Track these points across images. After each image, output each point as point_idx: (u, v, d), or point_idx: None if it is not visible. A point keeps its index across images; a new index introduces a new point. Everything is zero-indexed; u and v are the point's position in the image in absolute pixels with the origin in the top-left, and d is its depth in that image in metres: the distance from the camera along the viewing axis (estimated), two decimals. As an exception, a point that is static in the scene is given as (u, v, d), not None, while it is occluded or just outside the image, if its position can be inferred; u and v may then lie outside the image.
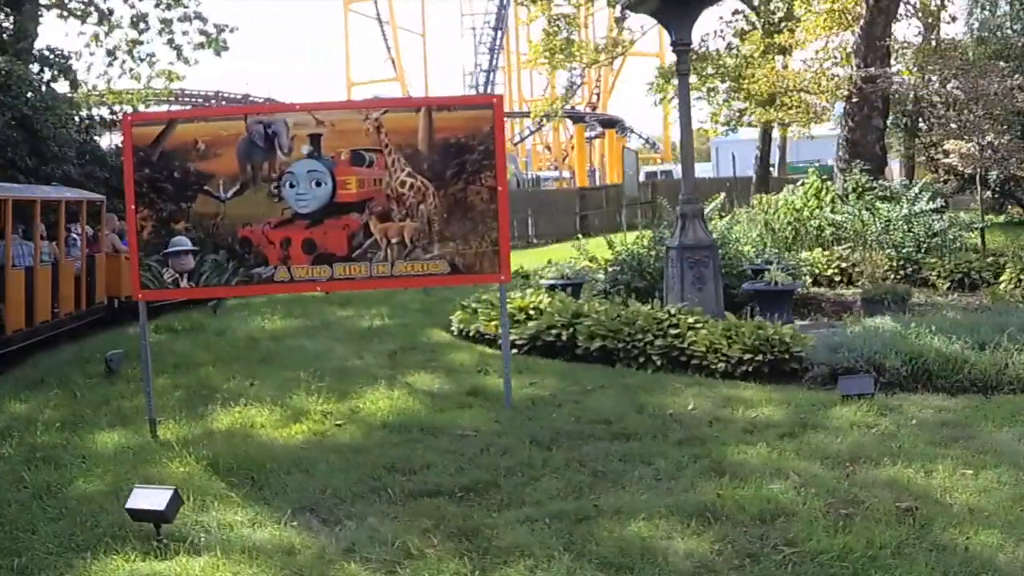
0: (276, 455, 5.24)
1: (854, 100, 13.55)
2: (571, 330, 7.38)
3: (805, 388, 6.31)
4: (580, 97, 50.43)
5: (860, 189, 11.90)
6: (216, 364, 8.25)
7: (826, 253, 10.51)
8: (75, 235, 10.88)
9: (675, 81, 26.60)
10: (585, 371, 6.99)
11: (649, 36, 28.13)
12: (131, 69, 15.32)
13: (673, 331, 6.97)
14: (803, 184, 12.70)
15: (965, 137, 9.97)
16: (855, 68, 13.55)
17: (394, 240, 5.90)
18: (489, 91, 54.81)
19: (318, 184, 5.86)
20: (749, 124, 25.96)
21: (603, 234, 16.21)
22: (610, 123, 47.47)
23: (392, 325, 9.93)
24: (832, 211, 11.47)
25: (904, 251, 9.97)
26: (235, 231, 5.87)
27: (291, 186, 5.88)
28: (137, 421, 6.32)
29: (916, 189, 10.95)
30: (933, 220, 10.13)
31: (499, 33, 55.64)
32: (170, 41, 15.44)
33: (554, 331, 7.45)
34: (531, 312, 7.97)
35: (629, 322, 7.17)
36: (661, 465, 4.76)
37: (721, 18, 27.33)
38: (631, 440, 5.25)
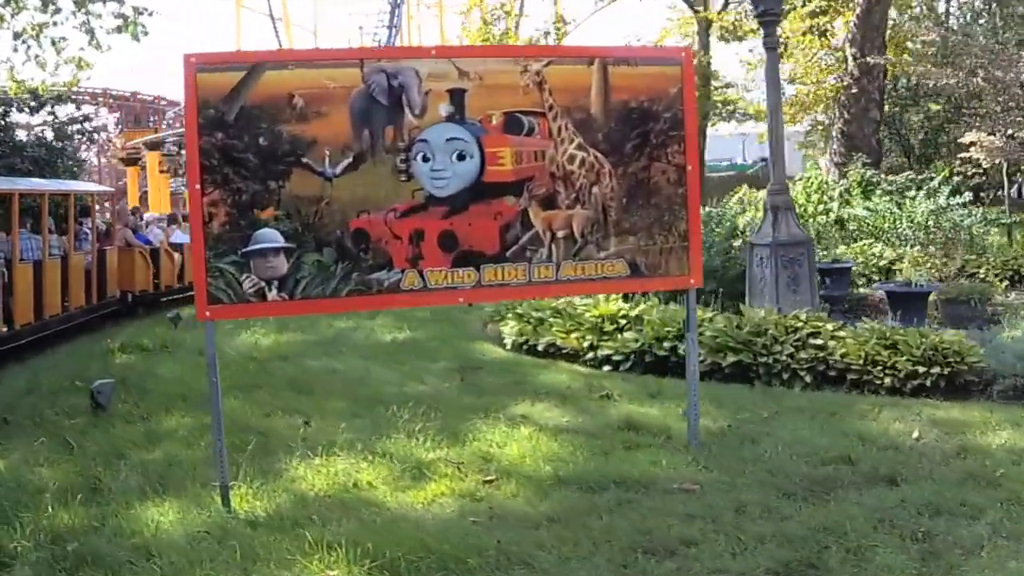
0: (442, 537, 3.52)
1: (853, 91, 13.04)
2: (682, 343, 6.05)
3: (999, 404, 5.35)
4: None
5: (864, 183, 11.34)
6: (235, 394, 6.29)
7: (863, 249, 9.80)
8: (86, 229, 10.26)
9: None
10: (728, 391, 5.66)
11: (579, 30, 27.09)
12: (36, 56, 12.62)
13: (814, 341, 5.82)
14: (800, 179, 12.03)
15: (986, 129, 9.60)
16: (851, 58, 13.07)
17: (560, 233, 4.34)
18: None
19: (461, 157, 4.21)
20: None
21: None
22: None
23: (420, 338, 8.20)
24: (842, 206, 10.82)
25: (932, 248, 9.42)
26: (346, 222, 4.08)
27: (424, 159, 4.19)
28: (184, 483, 4.41)
29: (935, 183, 10.47)
30: (962, 216, 9.66)
31: (393, 31, 53.56)
32: (84, 23, 12.82)
33: (666, 344, 6.12)
34: (620, 321, 6.60)
35: (758, 332, 5.96)
36: (990, 519, 3.58)
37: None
38: (900, 484, 3.98)
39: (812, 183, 11.62)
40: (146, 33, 16.42)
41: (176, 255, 12.19)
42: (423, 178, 4.13)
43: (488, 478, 4.26)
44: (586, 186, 4.31)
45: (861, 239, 10.24)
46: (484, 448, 4.77)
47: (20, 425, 5.73)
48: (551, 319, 6.90)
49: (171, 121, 27.92)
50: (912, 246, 9.18)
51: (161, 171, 22.04)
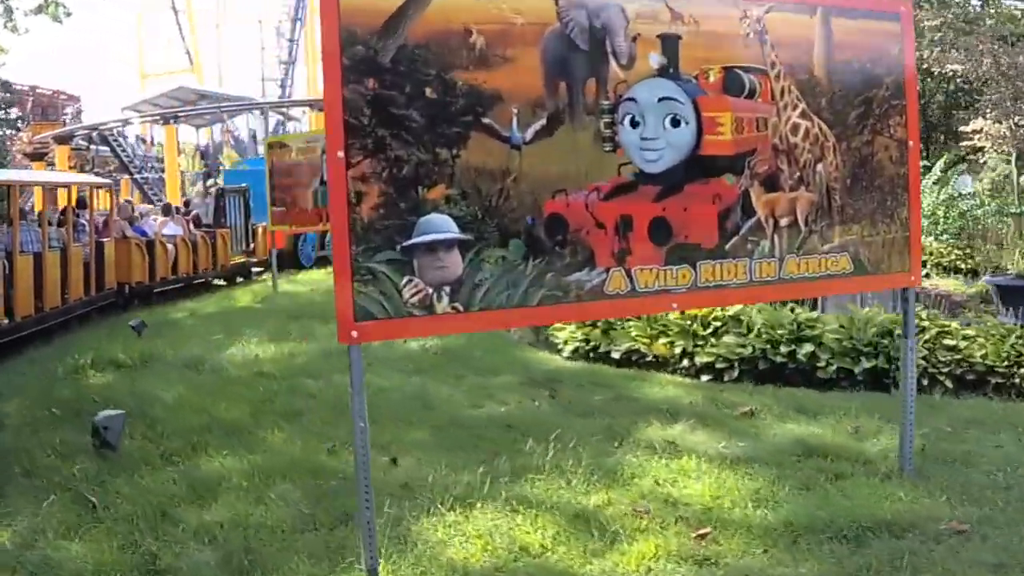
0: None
1: None
2: (801, 347, 5.28)
3: None
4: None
5: None
6: (276, 424, 4.93)
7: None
8: (83, 221, 10.03)
9: None
10: (875, 401, 4.89)
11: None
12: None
13: (947, 342, 5.17)
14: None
15: (993, 118, 9.40)
16: None
17: (783, 221, 3.38)
18: (289, 85, 50.25)
19: (675, 123, 3.16)
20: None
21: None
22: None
23: (453, 346, 6.93)
24: None
25: (944, 238, 9.14)
26: (539, 205, 2.95)
27: (633, 124, 3.11)
28: (285, 559, 3.15)
29: (937, 171, 10.17)
30: (973, 205, 9.43)
31: (298, 24, 50.83)
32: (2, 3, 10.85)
33: (782, 348, 5.30)
34: (715, 324, 5.73)
35: (883, 333, 5.24)
36: None
37: None
38: None
39: None
40: (68, 14, 14.29)
41: (170, 247, 11.84)
42: (631, 149, 3.07)
43: (700, 531, 3.28)
44: (810, 163, 3.38)
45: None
46: (652, 486, 3.76)
47: (10, 475, 4.20)
48: (626, 323, 5.95)
49: (71, 117, 25.05)
50: (926, 236, 8.87)
51: (71, 167, 19.40)
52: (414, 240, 2.76)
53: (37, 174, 10.85)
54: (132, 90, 42.94)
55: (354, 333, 2.73)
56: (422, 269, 2.77)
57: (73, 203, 9.98)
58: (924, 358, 5.06)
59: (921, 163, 11.34)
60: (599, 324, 6.07)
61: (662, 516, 3.42)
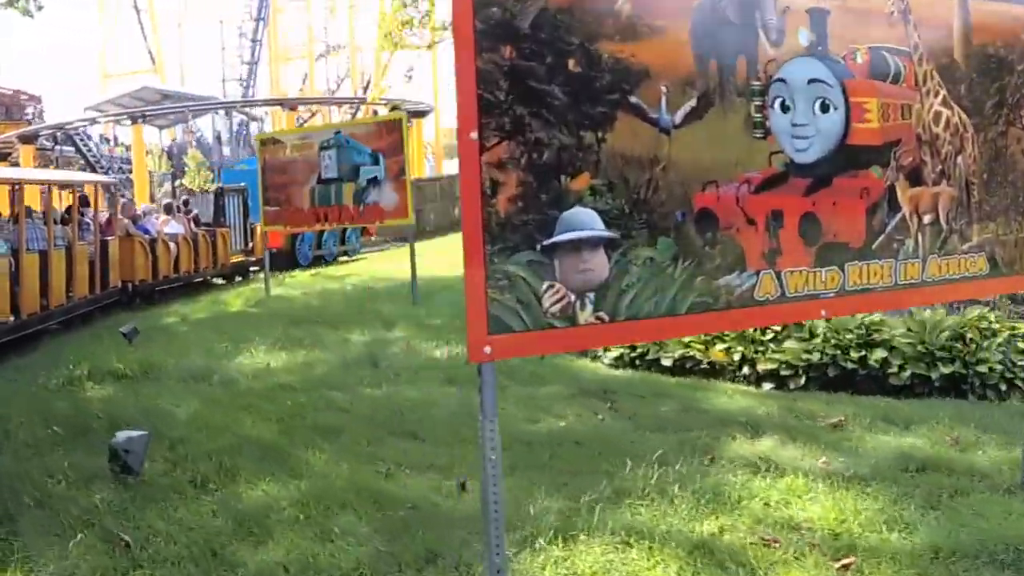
0: None
1: None
2: (872, 353, 4.97)
3: None
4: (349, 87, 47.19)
5: None
6: (315, 444, 4.41)
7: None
8: (87, 219, 9.96)
9: None
10: (956, 408, 4.63)
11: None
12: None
13: (1021, 344, 4.95)
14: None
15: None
16: None
17: (926, 219, 3.04)
18: (252, 83, 49.04)
19: (824, 108, 2.77)
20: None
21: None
22: (420, 113, 44.65)
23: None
24: None
25: None
26: (689, 198, 2.53)
27: (783, 108, 2.74)
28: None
29: None
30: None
31: (261, 24, 49.63)
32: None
33: (852, 354, 5.00)
34: (774, 329, 5.40)
35: (955, 336, 4.99)
36: None
37: None
38: None
39: None
40: (40, 8, 13.43)
41: (172, 245, 11.77)
42: (782, 136, 2.69)
43: (843, 561, 2.92)
44: (951, 155, 3.05)
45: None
46: (764, 509, 3.38)
47: (20, 507, 3.62)
48: (677, 328, 5.60)
49: (32, 117, 23.80)
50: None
51: (36, 167, 18.30)
52: (556, 238, 2.34)
53: (44, 173, 11.32)
54: (93, 91, 41.46)
55: (487, 349, 2.29)
56: (564, 272, 2.35)
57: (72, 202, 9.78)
58: (1000, 363, 4.83)
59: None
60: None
61: (791, 544, 3.06)
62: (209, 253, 12.66)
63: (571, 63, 2.34)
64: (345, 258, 17.21)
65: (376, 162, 9.37)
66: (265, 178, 10.25)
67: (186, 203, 13.99)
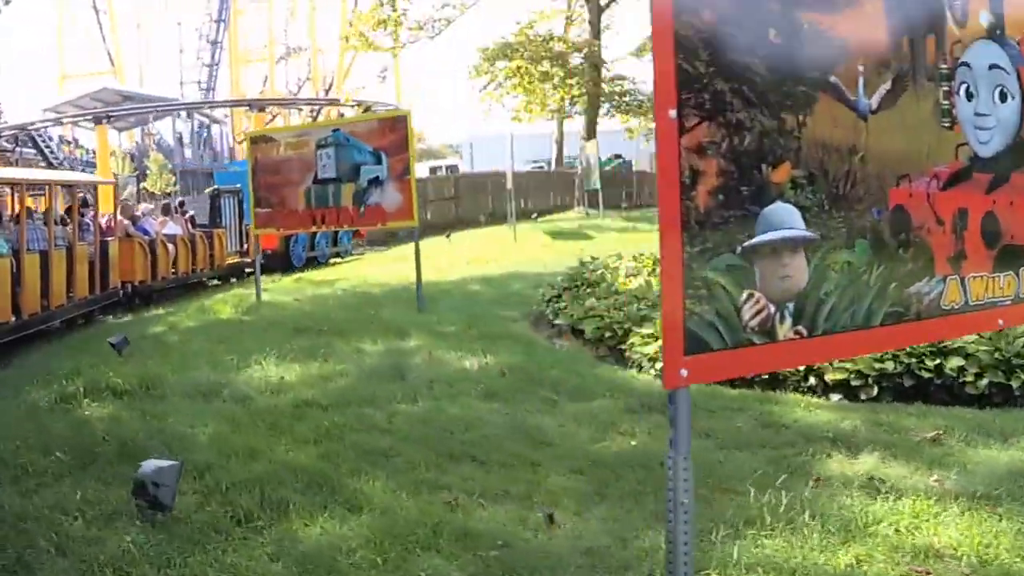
0: None
1: None
2: (948, 361, 4.71)
3: None
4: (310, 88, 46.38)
5: None
6: (361, 469, 3.93)
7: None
8: (87, 220, 9.92)
9: (501, 64, 24.21)
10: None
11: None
12: None
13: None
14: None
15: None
16: None
17: (1091, 220, 2.80)
18: (212, 86, 47.77)
19: (1003, 96, 2.49)
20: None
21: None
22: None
23: (508, 362, 6.07)
24: None
25: None
26: (884, 193, 2.21)
27: (968, 96, 2.41)
28: None
29: None
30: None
31: (221, 26, 48.30)
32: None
33: (928, 362, 4.69)
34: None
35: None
36: None
37: None
38: None
39: None
40: (7, 2, 12.59)
41: (170, 247, 11.66)
42: (967, 125, 2.37)
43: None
44: (1111, 151, 2.82)
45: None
46: (897, 536, 3.03)
47: (37, 552, 3.08)
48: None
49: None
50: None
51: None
52: (758, 239, 1.98)
53: (46, 173, 11.20)
54: (50, 92, 39.75)
55: (684, 371, 1.90)
56: (765, 279, 1.99)
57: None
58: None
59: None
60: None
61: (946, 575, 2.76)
62: (206, 254, 12.56)
63: (772, 32, 1.99)
64: (337, 259, 16.79)
65: (378, 161, 8.86)
66: (256, 178, 9.63)
67: (182, 204, 13.72)
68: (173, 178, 26.80)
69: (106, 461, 4.25)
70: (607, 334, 6.12)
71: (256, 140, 9.85)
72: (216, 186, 15.51)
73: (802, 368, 4.93)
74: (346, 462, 4.10)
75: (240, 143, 45.07)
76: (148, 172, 25.43)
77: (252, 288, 11.74)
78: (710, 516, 3.20)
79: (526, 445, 4.30)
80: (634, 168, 32.86)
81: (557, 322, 7.11)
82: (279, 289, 11.93)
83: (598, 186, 21.61)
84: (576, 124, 27.66)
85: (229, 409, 5.16)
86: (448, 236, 17.34)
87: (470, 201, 23.72)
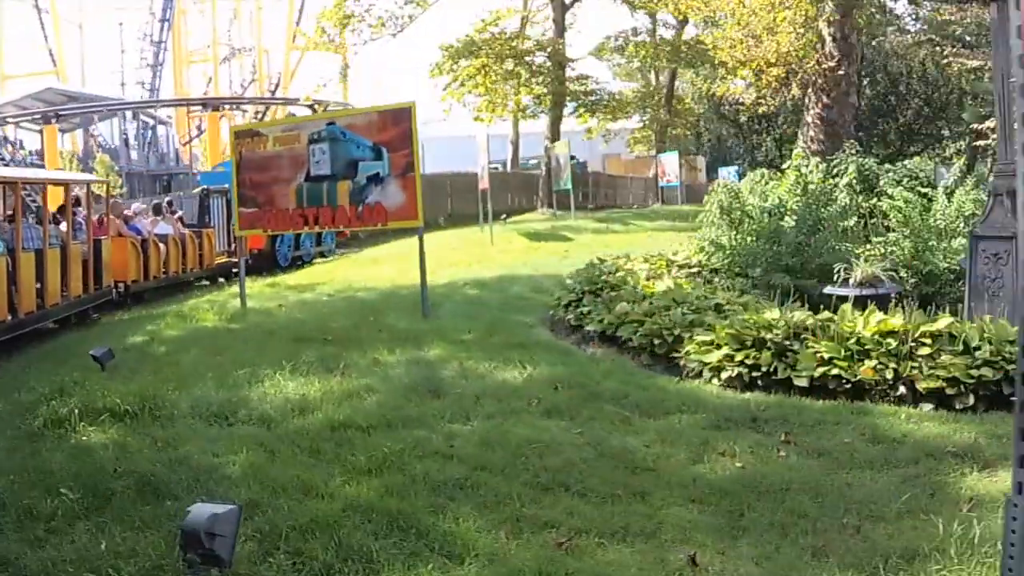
0: None
1: (841, 72, 11.83)
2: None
3: None
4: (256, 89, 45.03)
5: (867, 173, 10.34)
6: (429, 503, 3.28)
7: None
8: (80, 219, 9.70)
9: (464, 62, 23.43)
10: None
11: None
12: None
13: None
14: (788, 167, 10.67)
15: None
16: (830, 39, 12.04)
17: None
18: (156, 87, 45.80)
19: None
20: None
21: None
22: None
23: (558, 374, 5.40)
24: (866, 198, 9.68)
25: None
26: None
27: None
28: None
29: (954, 174, 9.82)
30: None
31: (165, 25, 46.23)
32: None
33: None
34: (925, 341, 4.64)
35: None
36: None
37: None
38: None
39: (813, 172, 10.31)
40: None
41: (161, 246, 11.46)
42: None
43: None
44: None
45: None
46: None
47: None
48: (810, 341, 4.81)
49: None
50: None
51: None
52: None
53: (40, 172, 11.32)
54: (-5, 95, 37.23)
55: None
56: None
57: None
58: None
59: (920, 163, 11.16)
60: (769, 345, 4.90)
61: None
62: (196, 254, 12.43)
63: None
64: (321, 259, 16.08)
65: (378, 157, 8.10)
66: (241, 176, 8.74)
67: (170, 204, 13.32)
68: (120, 180, 25.25)
69: (125, 500, 3.47)
70: (656, 341, 5.58)
71: (241, 135, 8.91)
72: (205, 186, 14.95)
73: (890, 376, 4.50)
74: (419, 497, 3.42)
75: (185, 145, 43.41)
76: (95, 174, 23.86)
77: (231, 292, 10.93)
78: (873, 549, 2.70)
79: (621, 471, 3.70)
80: (589, 169, 32.78)
81: (589, 328, 6.53)
82: (256, 295, 11.00)
83: (569, 186, 21.17)
84: (529, 125, 27.22)
85: (253, 433, 4.40)
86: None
87: (428, 202, 22.83)
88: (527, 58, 22.44)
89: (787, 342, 4.86)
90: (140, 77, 45.89)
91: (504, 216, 21.93)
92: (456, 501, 3.39)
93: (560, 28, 23.10)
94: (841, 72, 12.43)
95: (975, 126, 10.36)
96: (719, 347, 5.08)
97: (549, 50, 22.82)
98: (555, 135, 22.97)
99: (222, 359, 6.23)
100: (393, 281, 10.98)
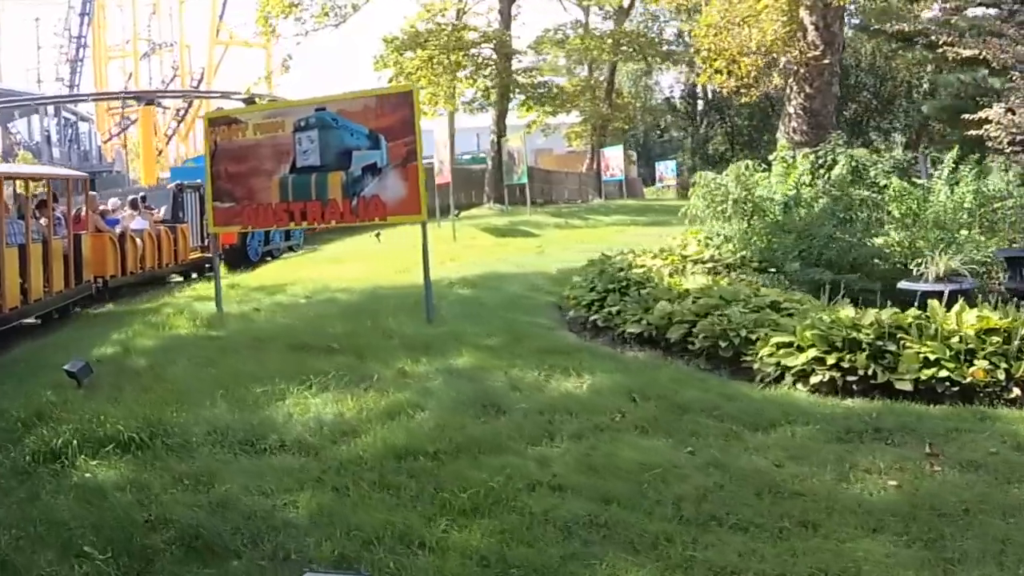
0: None
1: (824, 62, 11.56)
2: None
3: None
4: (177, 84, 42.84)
5: (856, 165, 10.14)
6: (548, 556, 2.58)
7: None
8: (59, 214, 9.23)
9: (409, 54, 22.43)
10: None
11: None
12: None
13: None
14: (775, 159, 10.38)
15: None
16: (812, 27, 11.79)
17: None
18: (76, 83, 42.85)
19: None
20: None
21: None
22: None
23: (609, 384, 4.80)
24: (868, 189, 9.45)
25: (973, 232, 8.62)
26: None
27: None
28: None
29: (949, 164, 9.71)
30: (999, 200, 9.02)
31: (85, 20, 43.22)
32: None
33: None
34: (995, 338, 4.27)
35: None
36: None
37: None
38: None
39: (801, 162, 10.05)
40: None
41: (138, 241, 11.17)
42: None
43: None
44: None
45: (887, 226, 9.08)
46: None
47: None
48: (907, 341, 4.35)
49: None
50: (969, 230, 8.37)
51: None
52: None
53: (18, 167, 10.91)
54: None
55: None
56: None
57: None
58: None
59: (913, 155, 11.07)
60: (864, 346, 4.42)
61: None
62: (171, 249, 12.09)
63: None
64: (289, 254, 15.33)
65: (375, 145, 7.23)
66: (216, 168, 7.69)
67: (143, 199, 12.72)
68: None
69: (170, 561, 2.63)
70: (722, 343, 5.03)
71: (215, 122, 7.84)
72: (179, 181, 14.16)
73: (1001, 376, 4.10)
74: (554, 544, 2.72)
75: (107, 142, 40.62)
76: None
77: (199, 292, 9.97)
78: None
79: (768, 498, 3.09)
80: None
81: (629, 330, 5.93)
82: (237, 295, 9.86)
83: (525, 180, 20.58)
84: (464, 120, 26.46)
85: (297, 464, 3.57)
86: (377, 236, 15.63)
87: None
88: (472, 50, 21.72)
89: (880, 342, 4.41)
90: (58, 73, 42.93)
91: (458, 212, 21.16)
92: (597, 545, 2.71)
93: (507, 19, 22.49)
94: (826, 61, 12.35)
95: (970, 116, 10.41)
96: (801, 349, 4.58)
97: (495, 42, 22.17)
98: (501, 129, 22.37)
99: (217, 372, 5.29)
100: (369, 281, 10.08)
